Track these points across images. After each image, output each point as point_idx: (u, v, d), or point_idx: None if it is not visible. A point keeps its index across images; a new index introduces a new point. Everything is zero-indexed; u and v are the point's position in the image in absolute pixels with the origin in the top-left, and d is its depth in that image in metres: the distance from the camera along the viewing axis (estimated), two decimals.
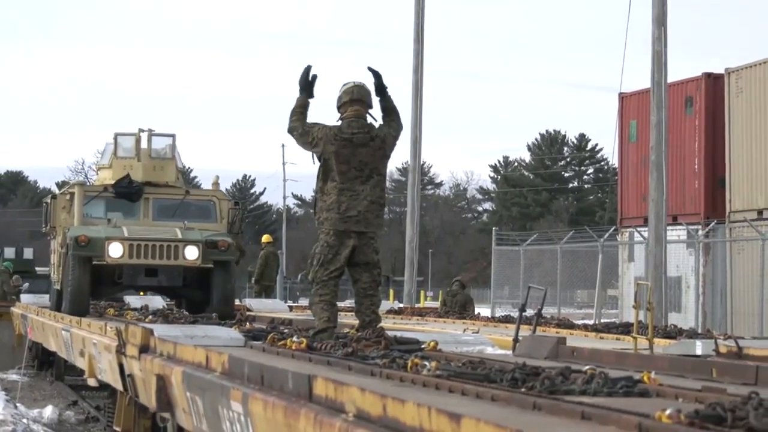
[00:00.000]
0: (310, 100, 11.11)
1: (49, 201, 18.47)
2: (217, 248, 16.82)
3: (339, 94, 10.96)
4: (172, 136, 18.39)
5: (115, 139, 18.22)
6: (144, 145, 18.06)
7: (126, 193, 17.69)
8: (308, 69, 11.15)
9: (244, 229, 18.33)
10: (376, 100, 11.08)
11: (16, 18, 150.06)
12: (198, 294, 17.24)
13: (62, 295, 17.40)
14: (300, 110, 11.01)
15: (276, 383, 6.34)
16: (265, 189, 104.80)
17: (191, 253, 16.76)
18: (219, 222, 17.88)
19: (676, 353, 9.30)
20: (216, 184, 18.62)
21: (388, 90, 11.13)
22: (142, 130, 18.15)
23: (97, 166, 19.77)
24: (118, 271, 16.98)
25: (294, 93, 11.08)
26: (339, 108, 10.95)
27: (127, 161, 17.99)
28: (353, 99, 10.88)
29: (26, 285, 30.15)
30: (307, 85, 11.12)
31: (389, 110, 11.08)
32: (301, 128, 10.90)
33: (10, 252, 37.03)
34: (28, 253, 37.47)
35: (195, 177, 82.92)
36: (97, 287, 17.25)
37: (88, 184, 19.67)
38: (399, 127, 11.14)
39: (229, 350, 8.26)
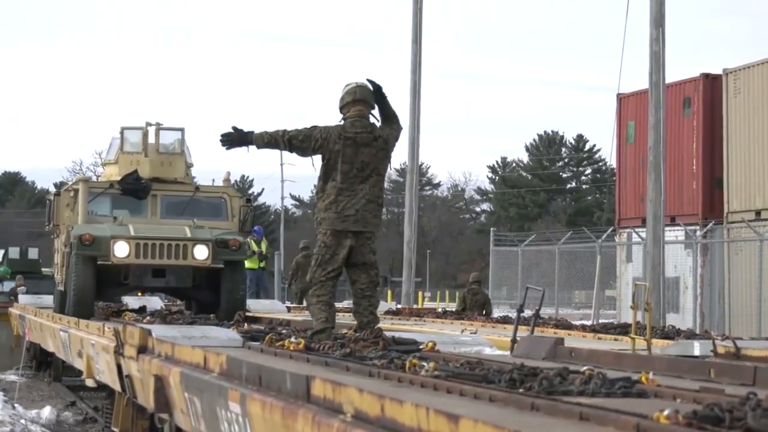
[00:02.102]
0: (253, 146, 10.92)
1: (52, 198, 17.79)
2: (228, 247, 16.21)
3: (341, 95, 10.94)
4: (181, 129, 17.66)
5: (122, 133, 17.50)
6: (152, 139, 17.35)
7: (133, 189, 17.03)
8: (230, 136, 10.98)
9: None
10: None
11: (13, 17, 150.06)
12: (208, 295, 16.63)
13: (66, 296, 16.78)
14: (279, 135, 10.82)
15: (274, 384, 6.34)
16: (263, 190, 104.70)
17: (201, 252, 16.15)
18: (230, 220, 17.22)
19: (674, 354, 9.30)
20: (227, 180, 17.95)
21: (387, 99, 11.09)
22: (150, 124, 17.47)
23: (102, 161, 18.65)
24: (124, 271, 16.36)
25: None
26: (341, 108, 10.94)
27: (133, 156, 17.29)
28: (356, 99, 10.87)
29: (23, 288, 29.90)
30: (244, 136, 10.95)
31: (387, 114, 11.07)
32: (300, 135, 10.79)
33: (14, 252, 36.64)
34: (33, 252, 36.93)
35: (193, 177, 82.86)
36: (102, 288, 16.59)
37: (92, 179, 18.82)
38: (399, 128, 11.16)
39: (227, 351, 8.26)
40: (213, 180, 18.36)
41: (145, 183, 17.10)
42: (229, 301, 16.25)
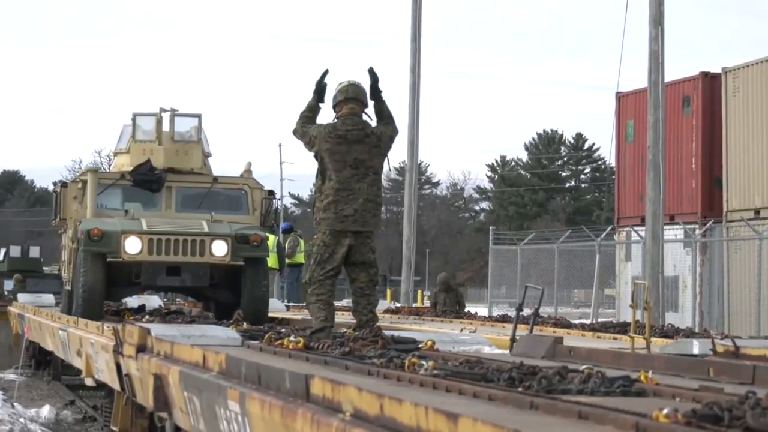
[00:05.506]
0: (321, 105, 11.12)
1: (59, 190, 16.49)
2: (249, 243, 15.05)
3: (334, 94, 11.02)
4: (198, 116, 16.35)
5: (134, 120, 16.25)
6: (166, 127, 16.12)
7: (145, 180, 15.87)
8: (325, 73, 11.15)
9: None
10: (370, 103, 11.11)
11: (12, 17, 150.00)
12: (227, 295, 15.54)
13: (73, 296, 15.77)
14: (306, 113, 11.08)
15: (273, 383, 6.33)
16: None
17: (219, 248, 15.00)
18: (251, 214, 16.09)
19: (673, 353, 9.30)
20: (248, 171, 16.82)
21: (383, 94, 11.14)
22: (164, 110, 16.19)
23: (113, 150, 17.29)
24: (136, 269, 15.16)
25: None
26: (334, 107, 11.01)
27: (146, 145, 16.07)
28: (348, 97, 10.92)
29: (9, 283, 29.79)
30: (318, 88, 11.12)
31: (383, 114, 11.09)
32: (300, 130, 11.01)
33: (15, 251, 36.39)
34: (34, 251, 36.56)
35: None
36: (111, 287, 15.39)
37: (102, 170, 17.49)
38: (395, 130, 11.17)
39: (226, 350, 8.25)
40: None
41: (158, 174, 15.96)
42: (250, 301, 15.16)
